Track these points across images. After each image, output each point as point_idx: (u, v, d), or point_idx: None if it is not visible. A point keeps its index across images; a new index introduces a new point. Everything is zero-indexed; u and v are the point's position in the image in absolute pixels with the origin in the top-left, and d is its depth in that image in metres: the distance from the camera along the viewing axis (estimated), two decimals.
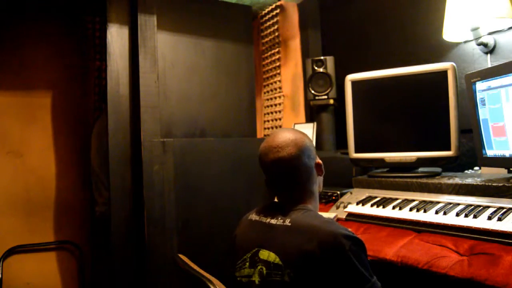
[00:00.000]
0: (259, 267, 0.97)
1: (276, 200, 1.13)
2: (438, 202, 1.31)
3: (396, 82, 1.59)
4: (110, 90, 1.81)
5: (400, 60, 1.90)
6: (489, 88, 1.28)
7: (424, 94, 1.54)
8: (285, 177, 1.06)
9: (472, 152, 1.59)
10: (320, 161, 1.12)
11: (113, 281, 1.80)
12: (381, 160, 1.63)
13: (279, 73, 2.68)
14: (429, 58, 1.74)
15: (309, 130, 2.24)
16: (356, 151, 1.70)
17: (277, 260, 0.94)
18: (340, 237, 0.88)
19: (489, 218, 1.09)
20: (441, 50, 1.77)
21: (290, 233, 0.96)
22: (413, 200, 1.40)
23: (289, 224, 0.97)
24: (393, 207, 1.37)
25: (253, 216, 1.11)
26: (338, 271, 0.87)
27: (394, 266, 1.09)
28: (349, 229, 0.93)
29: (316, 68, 2.22)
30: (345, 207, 1.52)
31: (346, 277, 0.87)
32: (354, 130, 1.70)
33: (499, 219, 1.07)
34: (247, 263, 1.01)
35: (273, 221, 1.02)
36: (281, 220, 1.00)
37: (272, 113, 2.76)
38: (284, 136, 1.06)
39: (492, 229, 1.05)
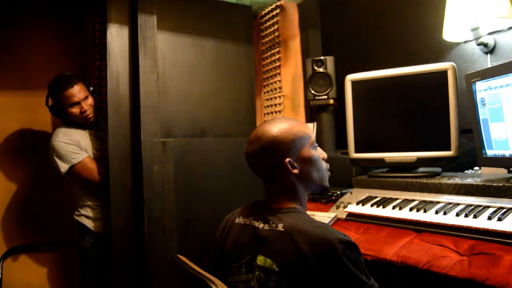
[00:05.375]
0: (256, 273, 0.96)
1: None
2: (438, 202, 1.31)
3: (396, 82, 1.59)
4: (110, 90, 1.81)
5: (400, 60, 1.89)
6: (489, 88, 1.28)
7: (424, 94, 1.54)
8: (255, 172, 1.08)
9: (472, 152, 1.59)
10: (287, 159, 1.00)
11: (113, 281, 1.80)
12: (381, 160, 1.63)
13: (279, 73, 2.68)
14: (429, 58, 1.74)
15: None
16: (356, 151, 1.70)
17: (274, 266, 0.93)
18: (333, 242, 0.87)
19: (489, 218, 1.09)
20: (441, 50, 1.77)
21: (283, 238, 0.94)
22: (413, 200, 1.40)
23: (282, 229, 0.96)
24: (393, 207, 1.37)
25: (242, 220, 1.08)
26: (334, 276, 0.86)
27: (394, 266, 1.09)
28: (343, 232, 0.92)
29: (316, 68, 2.22)
30: (345, 207, 1.52)
31: (342, 281, 0.86)
32: (354, 130, 1.70)
33: (499, 219, 1.07)
34: (243, 269, 0.99)
35: (266, 227, 0.99)
36: (274, 225, 0.98)
37: (272, 113, 2.76)
38: (259, 130, 1.06)
39: (492, 229, 1.05)
